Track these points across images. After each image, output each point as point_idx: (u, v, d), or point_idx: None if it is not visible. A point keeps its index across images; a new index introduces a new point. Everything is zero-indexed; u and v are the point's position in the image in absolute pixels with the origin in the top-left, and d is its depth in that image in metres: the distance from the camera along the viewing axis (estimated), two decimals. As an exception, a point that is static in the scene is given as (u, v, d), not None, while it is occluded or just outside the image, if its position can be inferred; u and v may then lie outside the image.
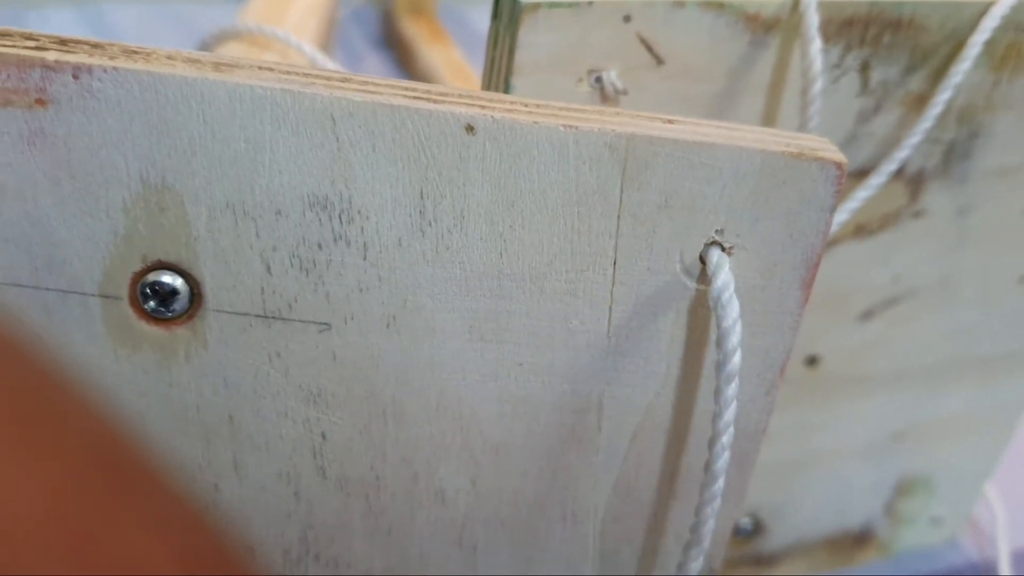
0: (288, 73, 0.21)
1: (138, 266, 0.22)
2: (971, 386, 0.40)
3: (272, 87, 0.21)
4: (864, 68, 0.30)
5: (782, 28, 0.29)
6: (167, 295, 0.22)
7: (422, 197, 0.22)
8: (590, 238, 0.23)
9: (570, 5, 0.26)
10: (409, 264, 0.23)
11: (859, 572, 0.45)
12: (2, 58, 0.20)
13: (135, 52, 0.21)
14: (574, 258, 0.23)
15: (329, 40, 0.60)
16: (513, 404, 0.25)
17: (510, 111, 0.22)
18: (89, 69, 0.20)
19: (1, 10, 0.72)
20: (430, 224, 0.22)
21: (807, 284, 0.24)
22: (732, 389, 0.23)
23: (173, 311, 0.22)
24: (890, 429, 0.41)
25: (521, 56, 0.26)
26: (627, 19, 0.27)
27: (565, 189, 0.22)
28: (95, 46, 0.21)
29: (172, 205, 0.21)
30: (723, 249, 0.23)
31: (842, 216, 0.32)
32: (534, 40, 0.26)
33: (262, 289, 0.23)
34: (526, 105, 0.22)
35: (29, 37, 0.21)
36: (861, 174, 0.32)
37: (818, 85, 0.29)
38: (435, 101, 0.21)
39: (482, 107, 0.22)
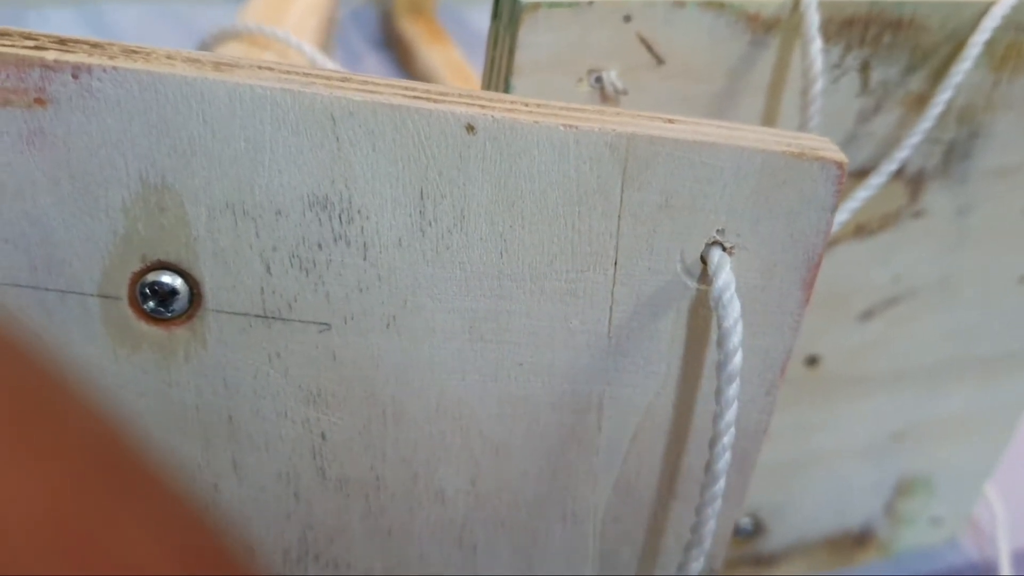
0: (288, 73, 0.21)
1: (137, 266, 0.22)
2: (971, 386, 0.40)
3: (272, 87, 0.21)
4: (864, 68, 0.30)
5: (782, 28, 0.29)
6: (166, 295, 0.22)
7: (422, 197, 0.22)
8: (591, 238, 0.23)
9: (570, 5, 0.26)
10: (409, 264, 0.23)
11: (859, 572, 0.45)
12: (1, 58, 0.20)
13: (135, 52, 0.21)
14: (575, 258, 0.23)
15: (329, 40, 0.60)
16: (513, 404, 0.25)
17: (510, 111, 0.22)
18: (88, 69, 0.20)
19: (1, 10, 0.72)
20: (430, 224, 0.22)
21: (808, 284, 0.24)
22: (733, 389, 0.23)
23: (172, 311, 0.22)
24: (890, 429, 0.41)
25: (521, 56, 0.26)
26: (627, 19, 0.27)
27: (565, 189, 0.22)
28: (94, 46, 0.21)
29: (172, 205, 0.21)
30: (724, 249, 0.23)
31: (842, 216, 0.32)
32: (534, 40, 0.26)
33: (262, 289, 0.22)
34: (526, 105, 0.22)
35: (28, 37, 0.21)
36: (861, 174, 0.32)
37: (818, 85, 0.29)
38: (435, 101, 0.21)
39: (482, 107, 0.22)
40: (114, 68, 0.20)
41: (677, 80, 0.28)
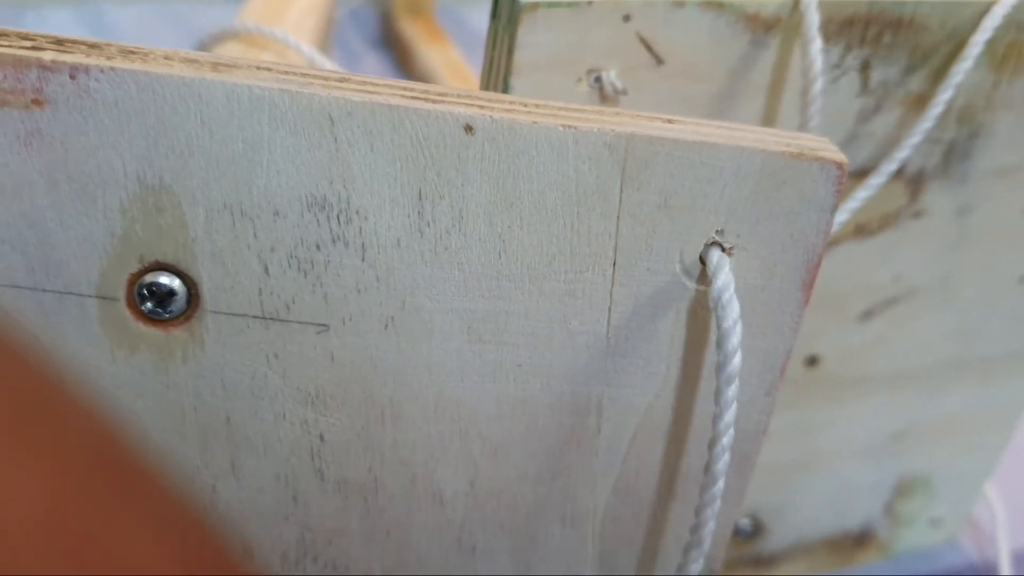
0: (286, 73, 0.21)
1: (135, 267, 0.22)
2: (971, 386, 0.40)
3: (270, 87, 0.21)
4: (864, 68, 0.30)
5: (782, 28, 0.29)
6: (164, 296, 0.22)
7: (420, 197, 0.22)
8: (589, 239, 0.23)
9: (569, 5, 0.26)
10: (407, 265, 0.23)
11: (859, 573, 0.45)
12: (-2, 58, 0.20)
13: (132, 52, 0.21)
14: (573, 259, 0.23)
15: (327, 40, 0.60)
16: (512, 405, 0.25)
17: (509, 111, 0.22)
18: (86, 69, 0.20)
19: (-1, 10, 0.72)
20: (428, 224, 0.22)
21: (808, 285, 0.24)
22: (732, 390, 0.23)
23: (170, 312, 0.22)
24: (890, 429, 0.41)
25: (520, 56, 0.26)
26: (627, 19, 0.27)
27: (564, 189, 0.22)
28: (92, 46, 0.21)
29: (169, 206, 0.21)
30: (723, 249, 0.23)
31: (842, 216, 0.32)
32: (533, 40, 0.26)
33: (260, 290, 0.22)
34: (525, 105, 0.22)
35: (26, 37, 0.21)
36: (861, 174, 0.32)
37: (818, 85, 0.29)
38: (434, 101, 0.21)
39: (481, 107, 0.21)
40: (112, 69, 0.20)
41: (677, 80, 0.28)
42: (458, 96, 0.22)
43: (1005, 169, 0.35)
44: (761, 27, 0.28)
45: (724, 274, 0.23)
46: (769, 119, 0.30)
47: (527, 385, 0.24)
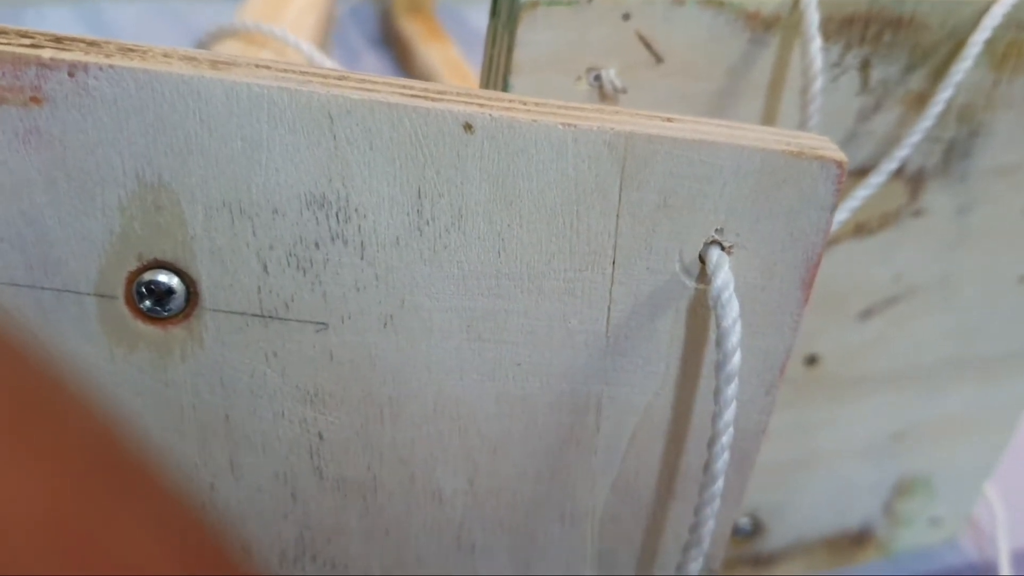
0: (285, 71, 0.21)
1: (134, 265, 0.22)
2: (971, 386, 0.40)
3: (269, 85, 0.21)
4: (864, 66, 0.30)
5: (782, 26, 0.29)
6: (163, 294, 0.22)
7: (420, 196, 0.22)
8: (589, 237, 0.23)
9: (569, 3, 0.26)
10: (406, 263, 0.22)
11: (858, 572, 0.45)
12: (-3, 55, 0.20)
13: (131, 50, 0.21)
14: (573, 257, 0.23)
15: (327, 38, 0.60)
16: (511, 404, 0.25)
17: (508, 109, 0.22)
18: (85, 67, 0.20)
19: (-2, 8, 0.72)
20: (428, 223, 0.22)
21: (807, 284, 0.24)
22: (732, 389, 0.23)
23: (169, 310, 0.22)
24: (889, 429, 0.41)
25: (520, 54, 0.26)
26: (626, 17, 0.27)
27: (564, 188, 0.22)
28: (91, 44, 0.21)
29: (168, 204, 0.21)
30: (723, 248, 0.23)
31: (842, 215, 0.32)
32: (533, 38, 0.26)
33: (259, 288, 0.22)
34: (525, 103, 0.22)
35: (24, 35, 0.21)
36: (861, 173, 0.32)
37: (818, 84, 0.29)
38: (433, 99, 0.21)
39: (480, 105, 0.21)
40: (110, 66, 0.20)
41: (676, 78, 0.28)
42: (457, 94, 0.22)
43: (1005, 168, 0.34)
44: (761, 25, 0.28)
45: (724, 273, 0.23)
46: (769, 118, 0.30)
47: (526, 384, 0.24)
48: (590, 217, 0.22)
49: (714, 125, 0.23)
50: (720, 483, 0.24)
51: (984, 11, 0.30)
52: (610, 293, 0.23)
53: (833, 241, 0.34)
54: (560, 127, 0.21)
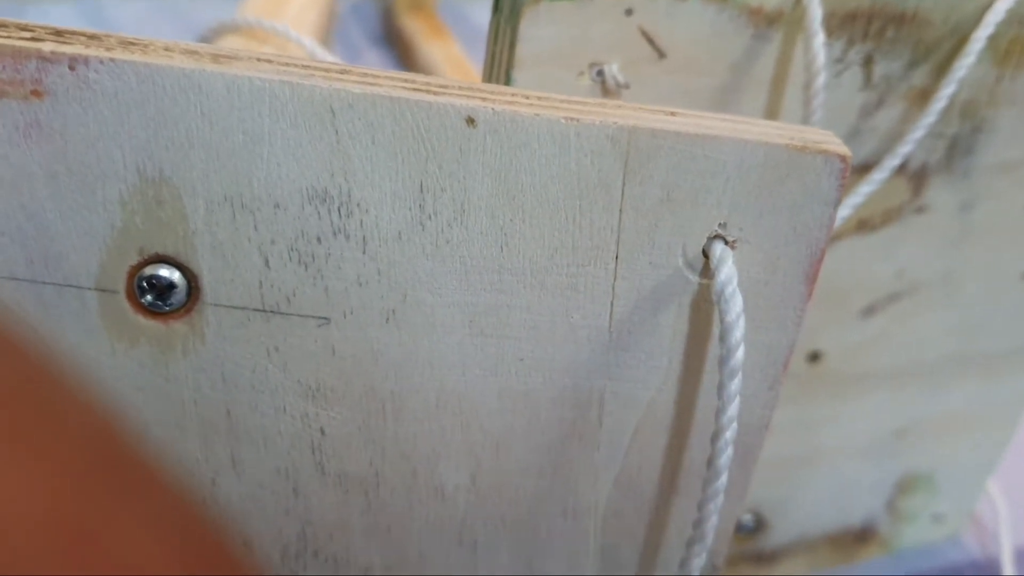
0: (287, 65, 0.21)
1: (135, 259, 0.22)
2: (974, 382, 0.40)
3: (271, 79, 0.21)
4: (867, 62, 0.30)
5: (785, 22, 0.28)
6: (164, 289, 0.22)
7: (422, 190, 0.22)
8: (591, 232, 0.23)
9: (571, -3, 0.26)
10: (409, 258, 0.22)
11: (861, 570, 0.45)
12: (-3, 49, 0.20)
13: (132, 43, 0.21)
14: (575, 252, 0.23)
15: (328, 36, 0.60)
16: (513, 399, 0.25)
17: (511, 103, 0.21)
18: (85, 60, 0.20)
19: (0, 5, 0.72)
20: (430, 218, 0.22)
21: (811, 278, 0.24)
22: (735, 384, 0.23)
23: (170, 305, 0.22)
24: (892, 426, 0.40)
25: (522, 50, 0.26)
26: (629, 12, 0.27)
27: (566, 182, 0.22)
28: (92, 37, 0.21)
29: (169, 198, 0.21)
30: (726, 243, 0.23)
31: (844, 211, 0.31)
32: (535, 33, 0.26)
33: (260, 283, 0.22)
34: (527, 97, 0.22)
35: (25, 28, 0.20)
36: (864, 169, 0.32)
37: (821, 79, 0.29)
38: (435, 93, 0.21)
39: (483, 99, 0.21)
40: (111, 60, 0.20)
41: (679, 74, 0.28)
42: (460, 88, 0.22)
43: (1008, 164, 0.34)
44: (764, 21, 0.28)
45: (727, 267, 0.23)
46: (772, 114, 0.30)
47: (529, 379, 0.24)
48: (593, 212, 0.22)
49: (718, 119, 0.23)
50: (723, 478, 0.24)
51: (987, 7, 0.30)
52: (613, 288, 0.23)
53: (836, 237, 0.34)
54: (563, 121, 0.21)
